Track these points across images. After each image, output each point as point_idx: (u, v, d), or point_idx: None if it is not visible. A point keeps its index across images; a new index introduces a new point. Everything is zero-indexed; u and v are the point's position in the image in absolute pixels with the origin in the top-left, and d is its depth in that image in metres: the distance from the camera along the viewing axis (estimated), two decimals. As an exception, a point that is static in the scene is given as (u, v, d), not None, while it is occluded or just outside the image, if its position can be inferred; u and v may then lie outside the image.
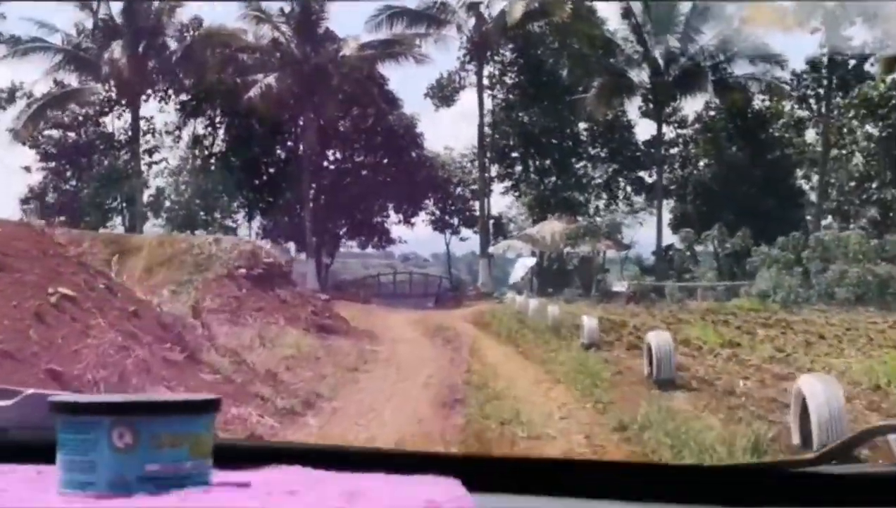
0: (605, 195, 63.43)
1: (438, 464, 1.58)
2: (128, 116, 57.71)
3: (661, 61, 56.64)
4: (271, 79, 54.00)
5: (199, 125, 60.55)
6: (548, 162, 61.91)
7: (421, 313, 45.59)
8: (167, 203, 58.65)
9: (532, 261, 53.59)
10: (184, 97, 58.91)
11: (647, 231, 61.99)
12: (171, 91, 58.68)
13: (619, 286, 49.24)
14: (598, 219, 57.22)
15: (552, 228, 54.99)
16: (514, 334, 30.50)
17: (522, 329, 31.32)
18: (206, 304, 26.40)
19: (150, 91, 57.71)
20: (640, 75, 57.69)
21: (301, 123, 58.00)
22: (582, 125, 62.36)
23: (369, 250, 67.71)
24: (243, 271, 28.36)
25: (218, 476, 1.40)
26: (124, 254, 29.57)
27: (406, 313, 46.15)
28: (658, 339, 17.94)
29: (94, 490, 1.29)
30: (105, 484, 1.29)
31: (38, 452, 1.45)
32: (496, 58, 61.72)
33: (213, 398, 1.42)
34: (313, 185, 60.19)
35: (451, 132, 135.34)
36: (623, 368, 20.44)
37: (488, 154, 61.51)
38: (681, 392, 16.95)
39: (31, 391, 1.73)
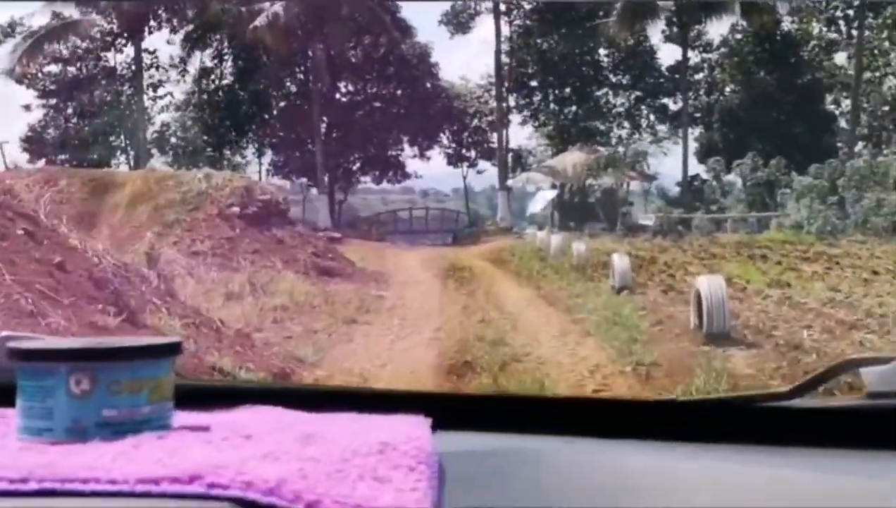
0: (627, 124, 60.01)
1: (413, 403, 1.56)
2: (130, 50, 54.50)
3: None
4: (278, 7, 50.61)
5: (205, 58, 57.40)
6: (567, 91, 58.55)
7: (436, 251, 42.65)
8: (173, 140, 55.46)
9: (552, 193, 50.23)
10: (188, 28, 55.44)
11: (671, 161, 58.83)
12: (174, 22, 55.28)
13: (645, 219, 45.99)
14: (620, 149, 53.59)
15: (573, 159, 51.78)
16: (535, 274, 27.39)
17: (544, 269, 28.26)
18: (197, 247, 23.59)
19: (152, 22, 54.32)
20: (665, -1, 54.01)
21: (310, 53, 54.52)
22: (602, 52, 58.77)
23: (388, 185, 64.45)
24: (236, 209, 25.34)
25: (180, 419, 1.39)
26: (105, 192, 26.69)
27: (421, 251, 43.16)
28: (710, 285, 14.53)
29: (50, 437, 1.28)
30: (62, 431, 1.28)
31: (6, 394, 1.39)
32: (512, -19, 58.17)
33: (174, 342, 1.40)
34: (324, 118, 57.04)
35: (466, 61, 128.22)
36: (663, 317, 17.33)
37: (506, 84, 58.04)
38: (737, 349, 13.85)
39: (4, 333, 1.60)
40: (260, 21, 49.73)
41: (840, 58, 57.27)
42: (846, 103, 57.43)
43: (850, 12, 53.58)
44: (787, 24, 55.26)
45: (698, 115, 57.97)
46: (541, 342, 15.43)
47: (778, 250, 35.05)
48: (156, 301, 11.86)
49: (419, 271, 31.00)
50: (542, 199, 49.85)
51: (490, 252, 39.30)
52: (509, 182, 55.31)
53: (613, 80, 59.40)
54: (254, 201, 25.72)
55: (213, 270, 21.75)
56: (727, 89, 58.03)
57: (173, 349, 1.36)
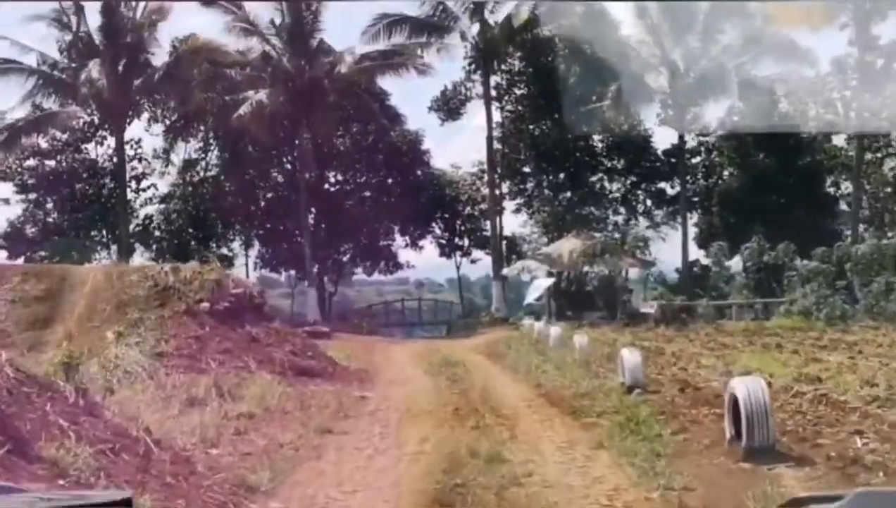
0: (623, 210, 57.96)
1: None
2: (112, 141, 52.37)
3: (680, 63, 51.04)
4: (262, 95, 48.72)
5: (189, 149, 55.38)
6: (562, 176, 56.51)
7: (429, 344, 40.27)
8: (156, 233, 53.06)
9: (549, 281, 47.82)
10: (170, 119, 53.46)
11: (669, 247, 56.64)
12: (157, 112, 53.34)
13: (646, 307, 43.51)
14: (617, 235, 51.31)
15: (570, 246, 49.51)
16: (534, 369, 24.90)
17: (544, 363, 25.82)
18: (162, 348, 21.06)
19: (133, 113, 52.29)
20: (659, 80, 52.03)
21: (297, 143, 52.44)
22: (596, 137, 56.74)
23: (384, 276, 62.07)
24: (206, 305, 22.79)
25: None
26: (63, 289, 24.21)
27: (412, 344, 40.84)
28: (750, 389, 11.65)
29: None
30: None
31: None
32: (503, 67, 56.22)
33: (121, 498, 1.43)
34: (312, 209, 54.89)
35: (457, 148, 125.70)
36: (686, 422, 14.74)
37: (498, 170, 55.97)
38: (785, 466, 11.27)
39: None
40: (244, 110, 47.71)
41: (839, 139, 55.40)
42: (846, 186, 55.55)
43: (848, 93, 51.37)
44: (784, 105, 53.08)
45: (696, 199, 56.00)
46: (545, 456, 12.89)
47: (790, 338, 32.81)
48: (62, 423, 9.29)
49: (409, 367, 28.54)
50: (538, 287, 47.46)
51: (485, 345, 36.92)
52: (504, 271, 53.00)
53: (608, 165, 57.41)
54: (226, 296, 23.19)
55: (176, 372, 19.23)
56: (725, 173, 55.99)
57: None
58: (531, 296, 48.39)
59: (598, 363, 24.20)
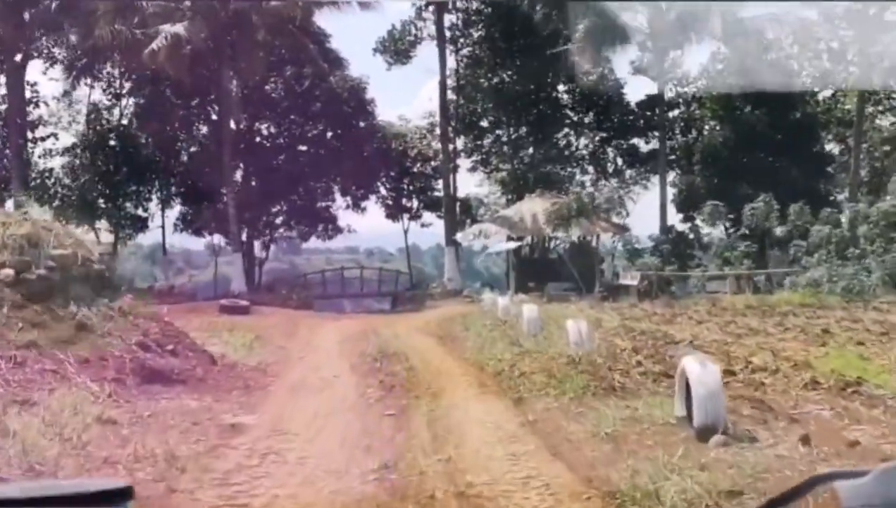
0: (591, 169, 49.72)
1: None
2: (2, 80, 43.51)
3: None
4: (179, 28, 40.01)
5: (97, 94, 46.57)
6: (523, 130, 48.28)
7: (367, 321, 32.07)
8: (59, 189, 44.26)
9: (511, 245, 39.52)
10: (72, 55, 44.54)
11: (641, 210, 48.77)
12: (55, 50, 44.45)
13: (628, 279, 35.26)
14: (585, 195, 42.57)
15: (532, 207, 41.64)
16: (507, 368, 16.55)
17: (521, 358, 17.55)
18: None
19: (27, 50, 43.32)
20: (637, 19, 43.82)
21: (221, 87, 43.77)
22: (562, 87, 48.49)
23: (332, 243, 54.03)
24: (9, 273, 14.31)
25: None
26: None
27: (348, 321, 32.65)
28: None
29: None
30: None
31: None
32: (459, 2, 47.73)
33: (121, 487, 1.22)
34: (240, 163, 46.45)
35: (406, 97, 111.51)
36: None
37: (452, 123, 47.61)
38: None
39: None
40: (157, 45, 39.08)
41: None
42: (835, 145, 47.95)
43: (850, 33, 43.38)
44: (775, 53, 45.01)
45: (674, 157, 47.82)
46: None
47: (806, 316, 26.29)
48: None
49: (332, 359, 20.31)
50: (499, 247, 39.05)
51: (437, 323, 28.98)
52: (458, 236, 44.74)
53: (575, 118, 49.05)
54: (40, 261, 14.69)
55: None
56: (707, 127, 47.79)
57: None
58: (494, 249, 39.98)
59: (613, 359, 16.19)
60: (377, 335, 24.89)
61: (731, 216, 40.60)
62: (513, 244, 38.65)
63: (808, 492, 1.80)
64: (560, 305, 30.54)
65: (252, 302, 35.99)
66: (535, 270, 41.37)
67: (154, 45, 39.04)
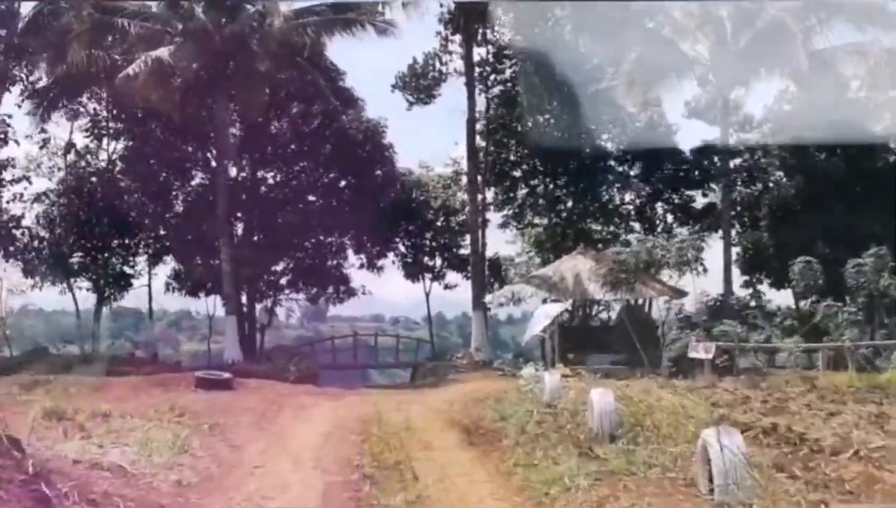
0: (638, 226, 42.01)
1: None
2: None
3: (727, 25, 35.61)
4: (163, 52, 32.95)
5: (75, 128, 39.55)
6: (561, 182, 40.84)
7: (375, 401, 24.41)
8: (27, 240, 37.11)
9: (559, 308, 31.53)
10: (43, 82, 37.47)
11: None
12: (24, 75, 37.39)
13: (702, 351, 27.40)
14: (639, 249, 34.51)
15: (575, 266, 34.08)
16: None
17: (608, 485, 10.09)
18: None
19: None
20: (695, 50, 36.54)
21: (216, 126, 36.63)
22: (606, 132, 41.06)
23: (359, 311, 47.46)
24: None
25: None
26: None
27: (350, 400, 25.07)
28: None
29: None
30: None
31: None
32: (490, 32, 40.46)
33: None
34: (239, 214, 39.13)
35: (429, 141, 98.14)
36: None
37: (481, 171, 40.23)
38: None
39: None
40: (135, 69, 31.99)
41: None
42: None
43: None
44: (853, 90, 37.65)
45: (734, 211, 40.08)
46: None
47: None
48: None
49: (299, 475, 12.81)
50: (543, 317, 31.00)
51: (462, 405, 21.58)
52: (487, 298, 37.19)
53: (620, 168, 41.43)
54: None
55: None
56: (774, 178, 40.13)
57: None
58: (534, 328, 31.88)
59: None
60: (382, 425, 17.54)
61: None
62: (558, 308, 30.80)
63: None
64: (615, 383, 22.96)
65: (244, 374, 29.12)
66: (574, 339, 33.77)
67: (130, 70, 32.01)
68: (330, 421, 18.89)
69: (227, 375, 26.69)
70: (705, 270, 33.90)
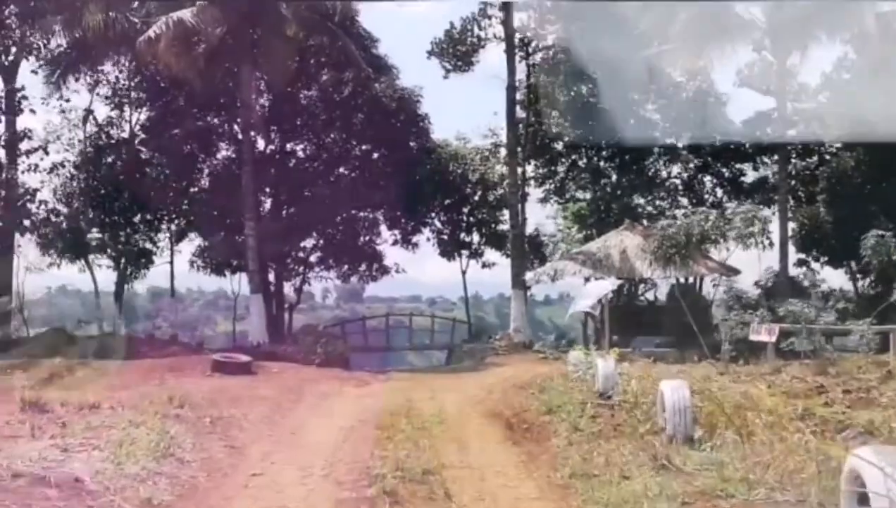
0: (685, 200, 39.18)
1: None
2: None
3: (785, -16, 32.83)
4: (186, 14, 30.47)
5: (97, 100, 37.18)
6: (605, 154, 38.07)
7: (406, 387, 21.86)
8: (43, 214, 34.89)
9: (610, 285, 28.64)
10: (58, 47, 34.99)
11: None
12: (39, 42, 34.89)
13: (764, 334, 24.62)
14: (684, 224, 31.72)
15: (621, 241, 31.50)
16: None
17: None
18: None
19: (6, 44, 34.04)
20: (749, 12, 33.64)
21: (241, 94, 34.08)
22: (650, 106, 38.30)
23: (396, 291, 45.60)
24: None
25: None
26: None
27: (378, 387, 22.50)
28: None
29: None
30: None
31: None
32: (531, -2, 37.78)
33: None
34: (267, 188, 36.69)
35: (466, 110, 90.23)
36: None
37: (522, 143, 37.53)
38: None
39: None
40: (155, 31, 29.55)
41: None
42: None
43: None
44: (918, 56, 34.68)
45: (791, 184, 37.25)
46: None
47: None
48: None
49: (305, 486, 10.22)
50: (596, 291, 28.05)
51: (503, 394, 19.10)
52: (527, 276, 34.55)
53: (667, 140, 38.55)
54: None
55: None
56: (832, 150, 37.19)
57: None
58: (580, 305, 29.03)
59: None
60: (411, 418, 14.98)
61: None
62: (608, 285, 27.94)
63: None
64: (665, 367, 20.33)
65: (269, 356, 26.95)
66: (618, 320, 30.92)
67: (150, 33, 29.58)
68: (353, 414, 16.40)
69: (245, 358, 24.37)
70: (771, 244, 30.99)
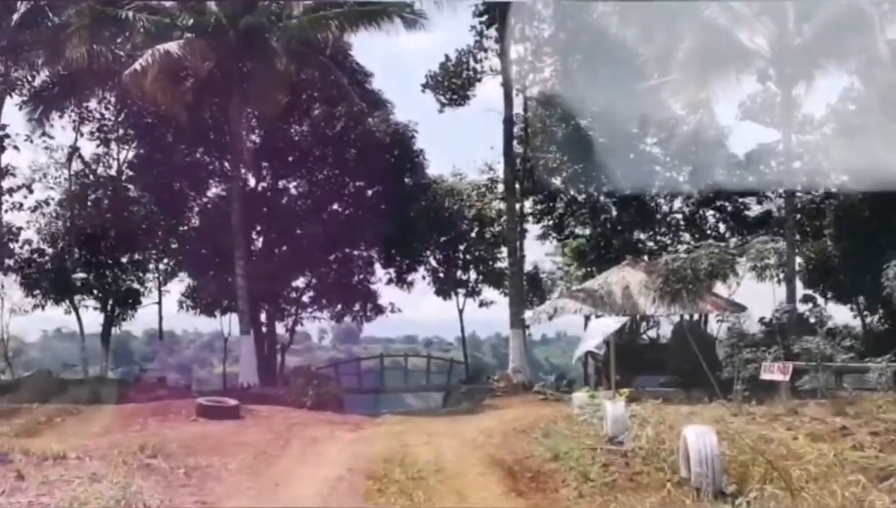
0: (688, 236, 37.94)
1: None
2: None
3: (790, 13, 31.58)
4: (173, 46, 29.35)
5: (84, 136, 36.12)
6: (605, 189, 36.86)
7: (401, 432, 20.44)
8: (30, 254, 33.71)
9: (616, 323, 27.30)
10: (40, 80, 33.96)
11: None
12: (22, 74, 33.78)
13: (777, 372, 23.32)
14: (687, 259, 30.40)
15: (624, 278, 30.27)
16: None
17: None
18: None
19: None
20: (754, 41, 32.48)
21: (230, 128, 32.93)
22: (649, 139, 37.28)
23: (393, 332, 44.59)
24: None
25: None
26: None
27: (372, 432, 21.16)
28: None
29: None
30: None
31: None
32: (528, 29, 36.55)
33: None
34: (258, 226, 35.52)
35: (462, 145, 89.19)
36: None
37: (519, 178, 36.39)
38: None
39: None
40: (141, 64, 28.42)
41: None
42: None
43: None
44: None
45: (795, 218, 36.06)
46: None
47: None
48: None
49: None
50: (598, 331, 26.69)
51: (503, 438, 17.84)
52: (526, 315, 33.21)
53: (668, 174, 37.43)
54: None
55: None
56: (838, 182, 36.06)
57: None
58: (587, 344, 27.65)
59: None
60: (406, 465, 13.68)
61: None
62: (616, 323, 26.59)
63: None
64: (674, 408, 19.08)
65: (258, 399, 25.95)
66: (621, 359, 29.50)
67: (136, 66, 28.44)
68: (342, 461, 15.07)
69: (233, 402, 23.08)
70: (785, 277, 29.77)
